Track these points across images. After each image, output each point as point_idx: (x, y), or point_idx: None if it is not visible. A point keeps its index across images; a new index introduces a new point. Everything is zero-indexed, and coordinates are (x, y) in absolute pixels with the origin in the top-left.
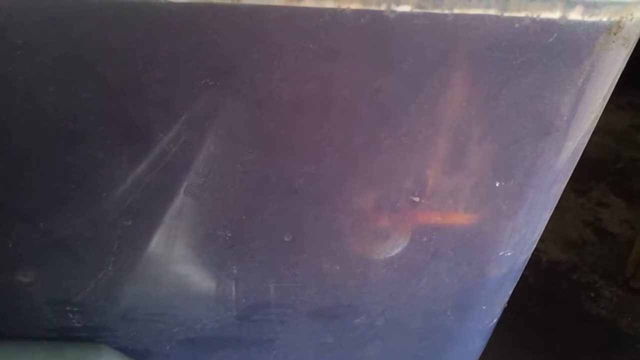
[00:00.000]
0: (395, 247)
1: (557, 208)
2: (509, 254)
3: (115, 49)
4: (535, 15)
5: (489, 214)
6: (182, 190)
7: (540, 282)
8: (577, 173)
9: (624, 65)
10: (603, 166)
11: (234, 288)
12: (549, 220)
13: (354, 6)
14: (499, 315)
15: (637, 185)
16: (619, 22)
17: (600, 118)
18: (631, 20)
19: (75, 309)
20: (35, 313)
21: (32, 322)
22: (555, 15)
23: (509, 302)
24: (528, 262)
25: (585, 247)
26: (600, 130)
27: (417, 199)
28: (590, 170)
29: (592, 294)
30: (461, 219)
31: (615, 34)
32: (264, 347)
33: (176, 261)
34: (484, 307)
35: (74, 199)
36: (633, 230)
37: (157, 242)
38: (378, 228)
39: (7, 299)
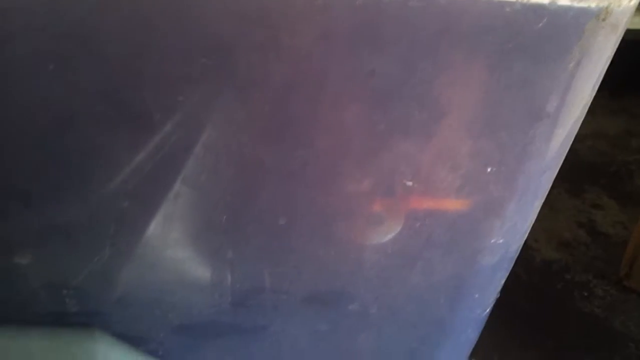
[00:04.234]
0: (388, 232)
1: (551, 209)
2: (501, 241)
3: (112, 29)
4: (525, 0)
5: (481, 200)
6: (178, 173)
7: (534, 281)
8: (571, 175)
9: (613, 53)
10: (597, 169)
11: (229, 273)
12: (543, 220)
13: None
14: (491, 306)
15: (630, 187)
16: (607, 8)
17: (595, 123)
18: (619, 7)
19: (72, 292)
20: (31, 297)
21: (28, 307)
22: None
23: (501, 300)
24: (521, 261)
25: (579, 248)
26: (595, 134)
27: (410, 184)
28: (584, 173)
29: (586, 293)
30: (454, 204)
31: (603, 20)
32: (259, 335)
33: (172, 245)
34: (476, 296)
35: (71, 180)
36: (626, 231)
37: (153, 226)
38: (372, 212)
39: (4, 283)
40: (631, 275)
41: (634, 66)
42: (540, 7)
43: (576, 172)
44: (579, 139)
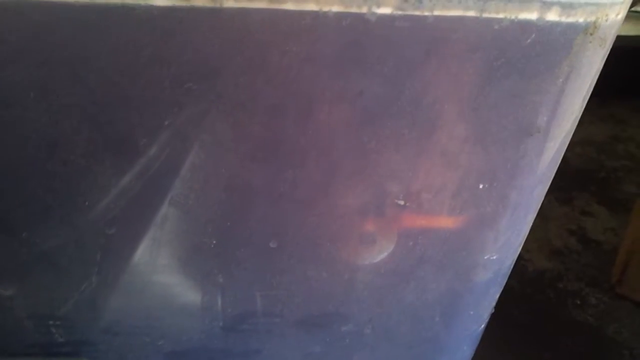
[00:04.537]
0: (381, 252)
1: (541, 217)
2: (495, 257)
3: (97, 54)
4: (513, 17)
5: (474, 217)
6: (165, 196)
7: (527, 291)
8: (560, 183)
9: (601, 66)
10: (586, 176)
11: (219, 298)
12: (534, 230)
13: (335, 8)
14: (486, 321)
15: (619, 194)
16: (594, 22)
17: (582, 129)
18: (606, 21)
19: (58, 322)
20: (16, 328)
21: (14, 337)
22: (532, 16)
23: (495, 311)
24: (514, 272)
25: (570, 255)
26: (582, 141)
27: (402, 203)
28: (573, 180)
29: (579, 301)
30: (446, 222)
31: (591, 34)
32: (251, 359)
33: (161, 271)
34: (471, 312)
35: (56, 207)
36: (617, 238)
37: (141, 251)
38: (364, 232)
39: None
40: (623, 282)
41: (621, 73)
42: (528, 23)
43: (565, 180)
44: (568, 146)
